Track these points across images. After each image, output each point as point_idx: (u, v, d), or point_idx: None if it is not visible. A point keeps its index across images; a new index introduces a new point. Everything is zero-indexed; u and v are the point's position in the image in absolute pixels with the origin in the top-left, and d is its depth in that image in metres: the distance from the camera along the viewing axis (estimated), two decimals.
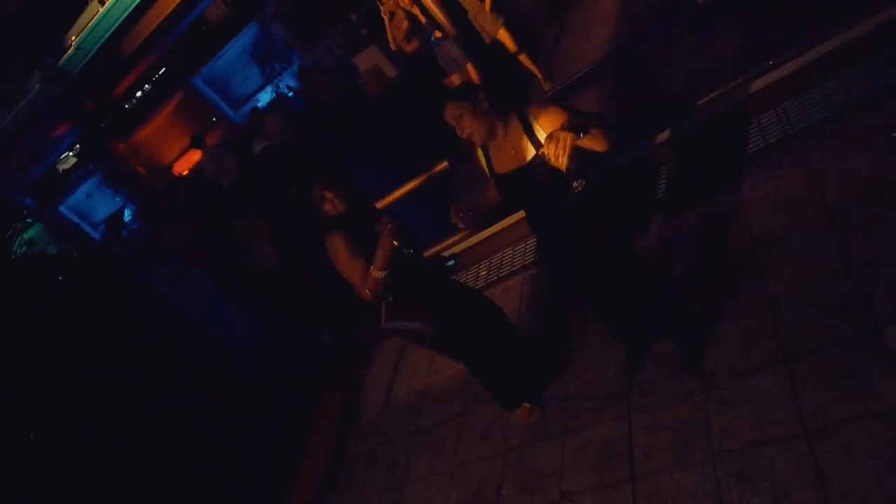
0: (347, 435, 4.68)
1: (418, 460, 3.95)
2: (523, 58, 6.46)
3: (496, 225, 4.75)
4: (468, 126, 2.57)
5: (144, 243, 10.09)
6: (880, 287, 2.72)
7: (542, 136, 2.51)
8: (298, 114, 10.64)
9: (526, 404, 3.53)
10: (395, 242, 2.84)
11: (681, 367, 3.09)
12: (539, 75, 6.36)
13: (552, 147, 2.29)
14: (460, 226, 2.74)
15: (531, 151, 2.57)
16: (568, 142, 2.28)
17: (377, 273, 2.88)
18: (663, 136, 4.23)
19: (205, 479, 5.08)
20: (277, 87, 13.43)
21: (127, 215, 13.60)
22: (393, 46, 6.96)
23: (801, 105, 3.75)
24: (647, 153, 4.31)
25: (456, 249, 4.95)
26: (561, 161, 2.28)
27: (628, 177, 4.32)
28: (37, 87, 5.38)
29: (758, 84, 3.89)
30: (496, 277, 4.70)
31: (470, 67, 6.19)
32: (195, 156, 10.78)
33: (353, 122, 10.20)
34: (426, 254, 4.82)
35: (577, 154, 2.37)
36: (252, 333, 7.29)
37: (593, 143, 2.43)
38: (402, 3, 6.14)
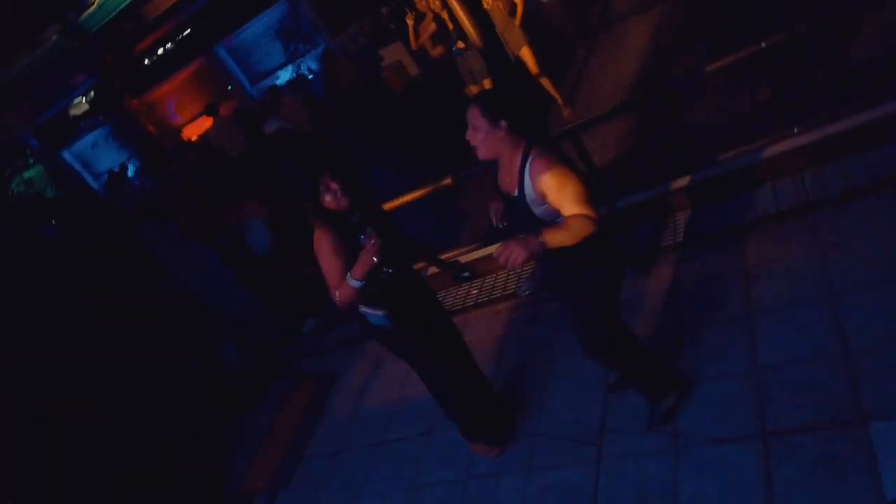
0: (312, 432, 4.61)
1: (377, 473, 3.87)
2: (545, 81, 6.41)
3: (494, 245, 4.66)
4: (478, 141, 2.51)
5: (147, 201, 9.98)
6: (870, 377, 2.66)
7: (529, 189, 2.45)
8: (317, 97, 10.55)
9: (483, 445, 3.47)
10: (375, 259, 2.79)
11: (650, 423, 3.02)
12: (560, 101, 6.30)
13: (502, 257, 2.32)
14: (500, 227, 2.81)
15: (516, 189, 2.52)
16: (517, 261, 2.31)
17: (353, 282, 2.86)
18: (677, 182, 4.16)
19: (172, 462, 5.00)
20: (299, 67, 13.36)
21: (130, 171, 13.48)
22: (413, 45, 6.97)
23: (820, 175, 3.68)
24: (658, 197, 4.24)
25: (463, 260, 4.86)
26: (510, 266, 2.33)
27: (633, 219, 4.25)
28: (54, 38, 5.30)
29: (781, 146, 3.81)
30: (486, 299, 4.63)
31: (488, 83, 6.12)
32: (206, 123, 10.68)
33: (372, 115, 10.12)
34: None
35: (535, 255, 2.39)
36: (243, 311, 7.20)
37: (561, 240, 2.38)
38: (432, 6, 6.08)
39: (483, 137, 2.47)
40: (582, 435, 3.23)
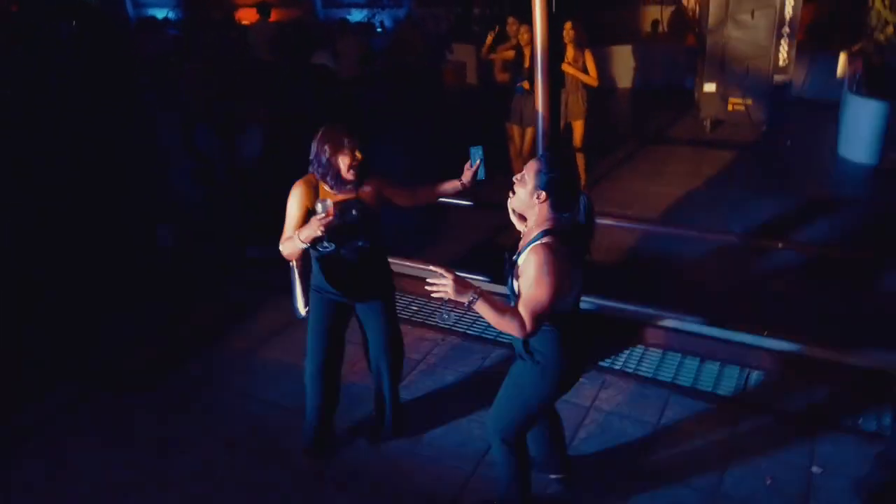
0: (193, 349, 4.50)
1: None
2: (580, 157, 6.46)
3: (440, 269, 4.58)
4: (518, 190, 2.42)
5: (169, 54, 9.70)
6: None
7: (521, 261, 2.38)
8: (373, 52, 10.43)
9: (309, 447, 3.47)
10: (320, 232, 2.80)
11: None
12: (582, 181, 6.35)
13: (434, 285, 2.30)
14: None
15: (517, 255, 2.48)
16: (443, 296, 2.30)
17: (298, 242, 2.90)
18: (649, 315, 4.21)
19: None
20: (374, 15, 13.25)
21: (169, 14, 13.10)
22: (483, 55, 7.00)
23: (766, 378, 3.78)
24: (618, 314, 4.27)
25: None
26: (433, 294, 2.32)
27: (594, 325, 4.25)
28: None
29: (748, 339, 3.91)
30: (421, 321, 4.60)
31: (530, 132, 6.14)
32: (252, 16, 10.43)
33: (410, 96, 10.06)
34: None
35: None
36: (197, 201, 7.04)
37: (487, 315, 2.32)
38: (519, 37, 6.09)
39: (524, 193, 2.39)
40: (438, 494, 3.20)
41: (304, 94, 8.26)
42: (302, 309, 3.32)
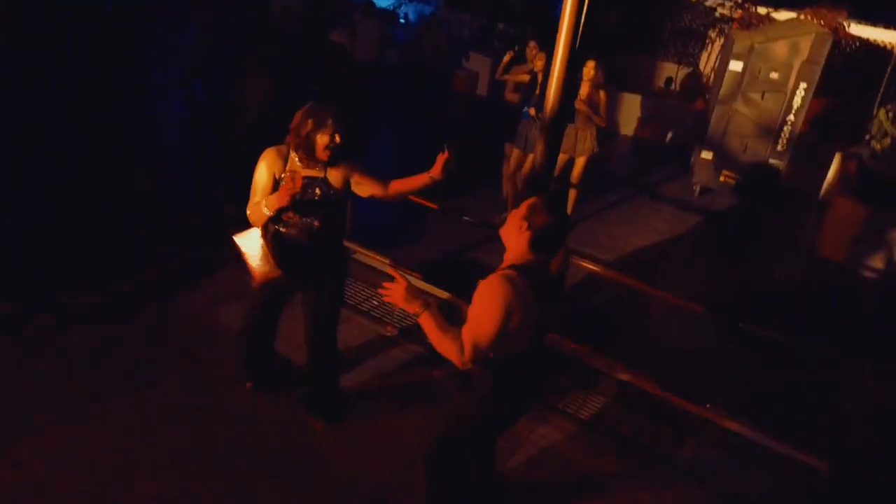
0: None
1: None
2: (573, 193, 6.52)
3: (425, 284, 4.60)
4: (509, 220, 2.39)
5: None
6: None
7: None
8: (390, 38, 10.37)
9: (249, 384, 3.63)
10: (286, 202, 2.84)
11: None
12: (568, 213, 6.41)
13: (388, 290, 2.30)
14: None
15: None
16: (394, 302, 2.29)
17: (264, 208, 2.93)
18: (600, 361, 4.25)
19: None
20: (400, 5, 13.22)
21: None
22: (497, 76, 7.05)
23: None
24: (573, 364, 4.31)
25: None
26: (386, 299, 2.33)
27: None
28: None
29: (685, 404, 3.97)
30: (375, 314, 4.59)
31: (530, 159, 6.16)
32: None
33: (425, 95, 10.05)
34: None
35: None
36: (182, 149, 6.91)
37: (430, 333, 2.30)
38: (535, 64, 6.13)
39: (514, 223, 2.34)
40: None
41: (315, 68, 8.18)
42: (266, 276, 3.16)
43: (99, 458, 3.11)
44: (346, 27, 9.41)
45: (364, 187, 3.11)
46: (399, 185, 3.12)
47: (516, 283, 2.21)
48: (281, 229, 3.03)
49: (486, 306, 2.18)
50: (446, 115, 10.48)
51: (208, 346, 3.99)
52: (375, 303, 4.74)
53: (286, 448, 3.34)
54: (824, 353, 4.85)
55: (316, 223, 3.03)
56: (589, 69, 6.00)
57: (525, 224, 2.29)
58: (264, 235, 3.07)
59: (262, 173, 2.99)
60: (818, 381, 4.71)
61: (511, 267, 2.29)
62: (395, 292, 2.27)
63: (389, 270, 2.28)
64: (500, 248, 2.45)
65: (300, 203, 2.95)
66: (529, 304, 2.24)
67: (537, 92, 5.99)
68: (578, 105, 6.02)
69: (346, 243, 4.73)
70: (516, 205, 2.48)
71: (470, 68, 12.08)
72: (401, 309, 2.31)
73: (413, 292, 2.27)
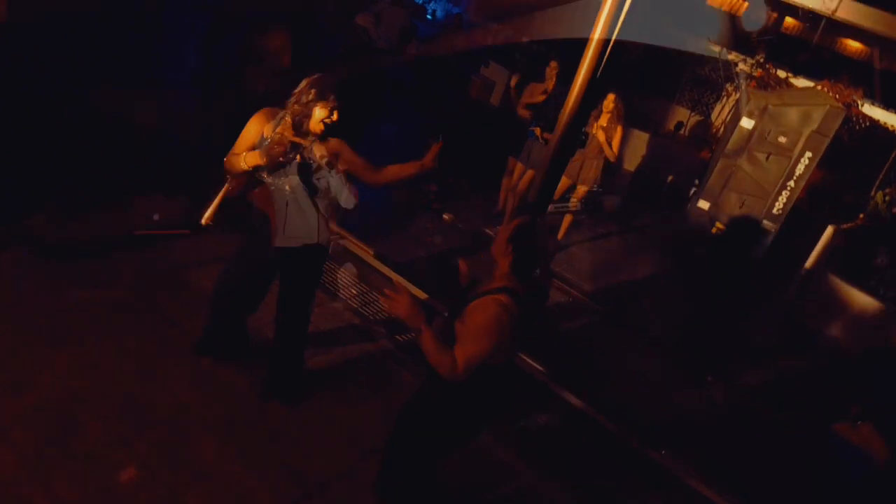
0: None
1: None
2: (569, 218, 6.53)
3: (412, 286, 4.55)
4: (499, 235, 2.47)
5: None
6: None
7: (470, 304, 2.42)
8: (413, 30, 10.33)
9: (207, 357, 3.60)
10: (263, 161, 2.86)
11: None
12: (559, 237, 6.46)
13: (389, 301, 2.28)
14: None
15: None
16: (393, 313, 2.28)
17: (242, 162, 2.93)
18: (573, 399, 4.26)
19: None
20: (429, 1, 13.20)
21: None
22: (512, 98, 7.03)
23: None
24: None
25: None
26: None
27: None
28: None
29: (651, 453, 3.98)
30: (354, 303, 4.56)
31: (529, 175, 6.17)
32: None
33: (434, 93, 10.02)
34: None
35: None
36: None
37: (426, 348, 2.31)
38: (549, 86, 6.15)
39: (503, 239, 2.44)
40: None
41: (335, 50, 8.13)
42: (204, 218, 3.22)
43: (48, 395, 3.06)
44: (371, 12, 9.36)
45: (355, 168, 3.11)
46: (392, 170, 3.18)
47: (510, 308, 2.30)
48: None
49: (483, 328, 2.27)
50: (455, 117, 10.45)
51: (182, 305, 3.95)
52: (354, 291, 4.73)
53: (238, 419, 3.31)
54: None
55: (287, 187, 3.03)
56: (609, 101, 5.99)
57: (510, 247, 2.40)
58: (230, 186, 3.15)
59: (252, 129, 3.02)
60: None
61: (503, 290, 2.34)
62: (398, 304, 2.26)
63: (395, 278, 2.29)
64: (484, 258, 2.51)
65: (277, 166, 2.96)
66: (516, 325, 2.35)
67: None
68: (597, 132, 5.99)
69: (335, 228, 4.72)
70: (511, 219, 2.52)
71: (487, 76, 12.07)
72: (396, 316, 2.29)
73: (416, 306, 2.27)
